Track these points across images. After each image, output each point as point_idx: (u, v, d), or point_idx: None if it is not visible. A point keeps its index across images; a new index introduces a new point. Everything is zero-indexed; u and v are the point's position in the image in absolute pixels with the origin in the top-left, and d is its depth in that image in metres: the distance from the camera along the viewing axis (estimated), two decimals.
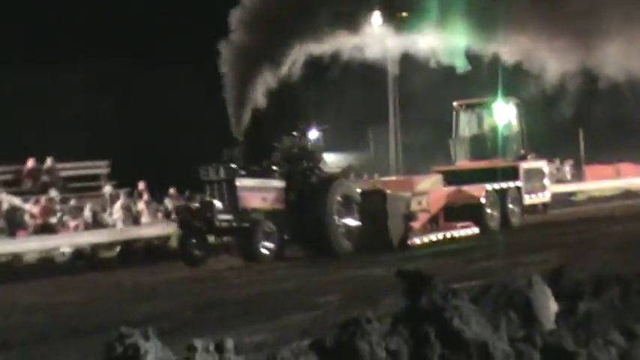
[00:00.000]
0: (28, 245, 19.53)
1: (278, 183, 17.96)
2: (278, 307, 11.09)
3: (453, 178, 23.00)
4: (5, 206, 19.30)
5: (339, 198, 18.07)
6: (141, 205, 22.25)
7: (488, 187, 22.13)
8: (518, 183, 23.21)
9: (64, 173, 22.65)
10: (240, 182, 17.00)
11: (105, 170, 23.74)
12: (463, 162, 24.28)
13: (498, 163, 23.59)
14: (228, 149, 17.41)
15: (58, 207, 20.39)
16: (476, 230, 21.48)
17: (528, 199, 23.57)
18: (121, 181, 23.11)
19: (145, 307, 12.15)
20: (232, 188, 16.94)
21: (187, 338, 4.89)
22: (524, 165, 23.73)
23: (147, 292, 14.25)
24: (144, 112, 28.25)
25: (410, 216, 19.51)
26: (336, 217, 17.87)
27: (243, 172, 17.22)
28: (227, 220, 16.69)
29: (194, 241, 16.95)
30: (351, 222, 18.31)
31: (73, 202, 21.06)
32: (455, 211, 21.75)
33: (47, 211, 19.93)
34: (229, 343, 4.93)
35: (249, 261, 16.73)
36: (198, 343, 4.78)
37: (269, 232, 16.92)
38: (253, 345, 7.79)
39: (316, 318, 9.75)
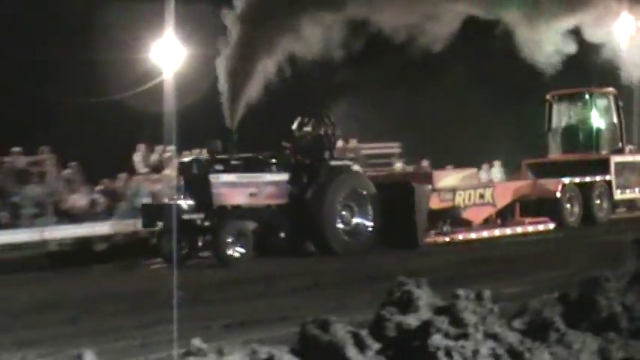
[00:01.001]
0: None
1: (274, 176, 16.61)
2: (533, 266, 13.28)
3: (544, 171, 21.95)
4: None
5: (346, 191, 16.72)
6: None
7: (566, 180, 20.60)
8: (608, 177, 21.52)
9: (364, 152, 26.26)
10: (215, 178, 15.81)
11: (397, 150, 27.61)
12: (554, 155, 23.08)
13: (588, 156, 22.14)
14: (213, 141, 16.36)
15: None
16: (550, 226, 20.10)
17: (619, 195, 21.76)
18: (409, 159, 26.76)
19: (422, 262, 14.66)
20: (205, 184, 15.55)
21: (453, 288, 5.84)
22: (617, 158, 21.97)
23: (427, 250, 16.78)
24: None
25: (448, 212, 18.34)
26: (340, 213, 16.59)
27: (219, 167, 15.98)
28: (194, 220, 15.40)
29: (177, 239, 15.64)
30: (361, 217, 16.92)
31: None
32: (531, 206, 20.56)
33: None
34: (487, 294, 5.74)
35: (218, 262, 15.39)
36: (461, 292, 5.64)
37: (241, 232, 15.51)
38: (509, 296, 8.78)
39: (563, 275, 11.30)
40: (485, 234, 19.07)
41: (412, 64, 23.35)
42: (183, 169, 16.27)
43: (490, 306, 5.68)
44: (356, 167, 18.30)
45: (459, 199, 18.84)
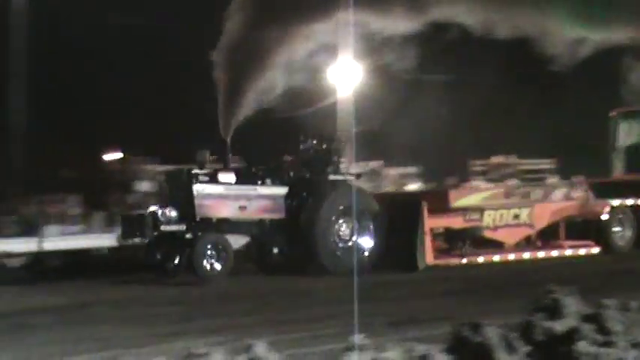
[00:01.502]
0: None
1: (268, 189, 16.09)
2: None
3: (606, 191, 20.49)
4: None
5: (342, 207, 15.92)
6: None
7: (615, 202, 19.26)
8: None
9: (520, 167, 26.29)
10: (200, 189, 15.35)
11: (551, 166, 26.73)
12: (618, 174, 21.78)
13: None
14: (200, 151, 15.83)
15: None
16: (594, 250, 18.86)
17: None
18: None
19: (573, 270, 15.66)
20: (189, 195, 15.18)
21: (598, 298, 6.15)
22: None
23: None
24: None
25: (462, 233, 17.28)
26: (335, 230, 15.87)
27: (204, 178, 15.53)
28: (175, 232, 15.08)
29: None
30: (362, 236, 16.19)
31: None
32: (577, 228, 19.16)
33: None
34: (633, 304, 6.03)
35: (195, 276, 14.89)
36: (608, 302, 5.97)
37: (219, 246, 14.96)
38: None
39: None
40: (511, 257, 17.99)
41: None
42: (170, 179, 16.13)
43: (636, 316, 5.89)
44: (359, 183, 17.60)
45: (488, 220, 17.81)
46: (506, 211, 18.20)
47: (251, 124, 17.00)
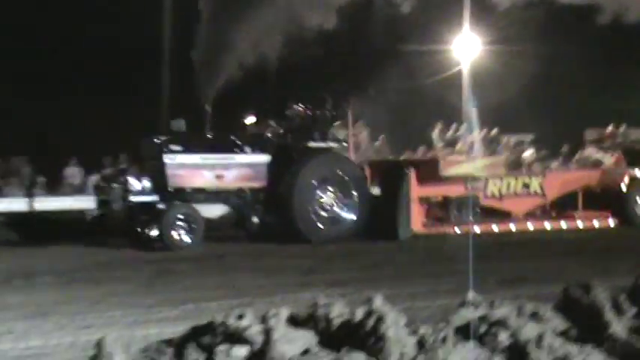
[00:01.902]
0: None
1: (247, 158, 15.77)
2: None
3: None
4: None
5: (321, 174, 15.65)
6: None
7: (636, 172, 18.29)
8: None
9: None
10: (171, 158, 15.20)
11: None
12: None
13: None
14: (175, 121, 15.70)
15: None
16: (610, 222, 17.92)
17: None
18: None
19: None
20: (161, 165, 15.01)
21: None
22: None
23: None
24: None
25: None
26: (314, 198, 15.54)
27: (177, 147, 15.33)
28: (147, 202, 14.95)
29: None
30: (343, 204, 15.83)
31: None
32: (596, 199, 18.31)
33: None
34: None
35: (165, 247, 14.66)
36: None
37: (188, 216, 14.76)
38: None
39: None
40: (512, 227, 17.34)
41: None
42: (145, 150, 15.87)
43: None
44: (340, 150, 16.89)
45: (493, 188, 17.37)
46: (515, 179, 17.66)
47: (235, 88, 16.53)
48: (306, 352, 4.72)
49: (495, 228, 17.06)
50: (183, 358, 4.73)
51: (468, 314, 5.19)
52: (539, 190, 17.84)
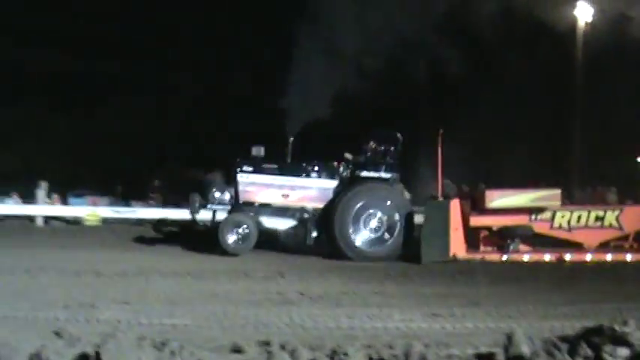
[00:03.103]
0: None
1: (312, 182, 18.36)
2: None
3: None
4: None
5: (364, 200, 17.84)
6: None
7: None
8: None
9: None
10: (243, 177, 18.28)
11: None
12: None
13: None
14: (255, 147, 18.57)
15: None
16: None
17: None
18: None
19: None
20: (235, 182, 18.25)
21: None
22: None
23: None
24: None
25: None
26: (357, 221, 17.78)
27: (249, 168, 18.39)
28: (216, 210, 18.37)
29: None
30: (386, 228, 17.89)
31: None
32: None
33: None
34: None
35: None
36: None
37: (239, 228, 17.48)
38: None
39: None
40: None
41: None
42: (230, 168, 19.13)
43: None
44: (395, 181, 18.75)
45: (561, 220, 18.39)
46: (587, 212, 18.52)
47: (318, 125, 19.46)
48: None
49: (547, 257, 17.81)
50: (576, 354, 5.36)
51: None
52: (615, 224, 18.40)
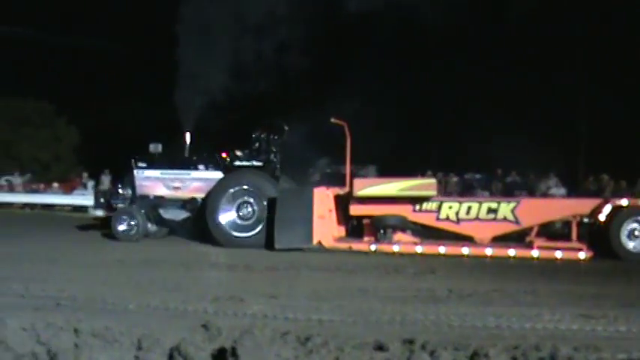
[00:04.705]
0: None
1: (202, 174, 18.99)
2: None
3: None
4: None
5: (234, 188, 18.23)
6: None
7: (623, 202, 16.52)
8: None
9: None
10: (139, 173, 19.55)
11: None
12: None
13: None
14: (152, 144, 19.59)
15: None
16: (581, 255, 16.13)
17: None
18: None
19: None
20: (131, 177, 19.53)
21: None
22: None
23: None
24: None
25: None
26: (226, 208, 18.22)
27: (142, 164, 19.55)
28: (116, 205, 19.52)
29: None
30: (255, 215, 18.12)
31: None
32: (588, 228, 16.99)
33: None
34: None
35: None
36: None
37: (131, 216, 18.80)
38: None
39: None
40: (442, 249, 16.79)
41: None
42: (128, 164, 20.17)
43: None
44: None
45: (448, 212, 17.31)
46: (477, 204, 17.30)
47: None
48: None
49: (419, 249, 16.86)
50: None
51: None
52: (511, 217, 16.99)
